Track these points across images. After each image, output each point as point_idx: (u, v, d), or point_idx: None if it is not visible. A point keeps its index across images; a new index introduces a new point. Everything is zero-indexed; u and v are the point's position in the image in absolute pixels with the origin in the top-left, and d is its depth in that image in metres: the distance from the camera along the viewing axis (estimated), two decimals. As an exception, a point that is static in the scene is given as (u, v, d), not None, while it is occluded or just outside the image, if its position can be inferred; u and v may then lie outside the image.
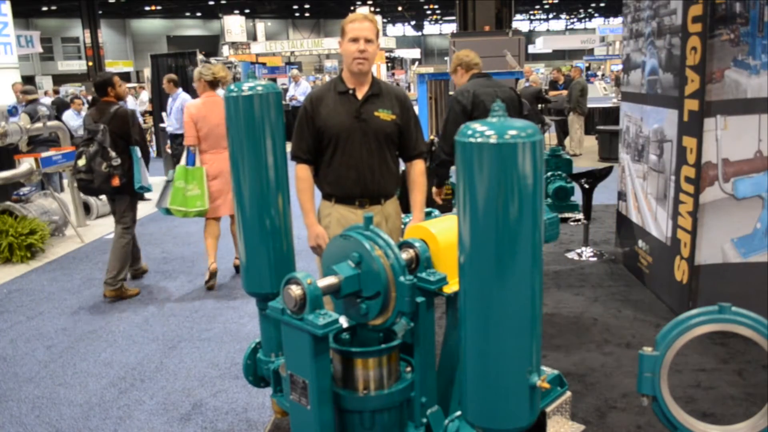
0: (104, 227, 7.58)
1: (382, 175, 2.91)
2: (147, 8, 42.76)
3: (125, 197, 5.03)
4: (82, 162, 4.81)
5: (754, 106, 3.73)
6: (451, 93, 9.24)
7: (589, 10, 55.96)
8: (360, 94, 2.90)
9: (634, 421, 2.97)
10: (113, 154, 4.79)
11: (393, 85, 3.13)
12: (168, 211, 5.14)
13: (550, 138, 12.64)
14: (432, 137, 6.83)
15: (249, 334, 4.24)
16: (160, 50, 34.07)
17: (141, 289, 5.25)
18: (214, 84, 5.25)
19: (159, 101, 11.17)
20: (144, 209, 8.51)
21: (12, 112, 7.26)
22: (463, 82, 4.39)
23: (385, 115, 2.89)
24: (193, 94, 13.90)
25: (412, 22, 58.89)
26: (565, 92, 12.56)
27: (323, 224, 2.97)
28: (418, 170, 3.01)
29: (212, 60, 16.80)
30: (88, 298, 5.12)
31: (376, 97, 2.91)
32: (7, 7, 11.63)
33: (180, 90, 8.77)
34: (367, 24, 2.81)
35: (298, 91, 15.03)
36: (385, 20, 48.72)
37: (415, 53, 42.48)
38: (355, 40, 2.79)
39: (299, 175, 2.94)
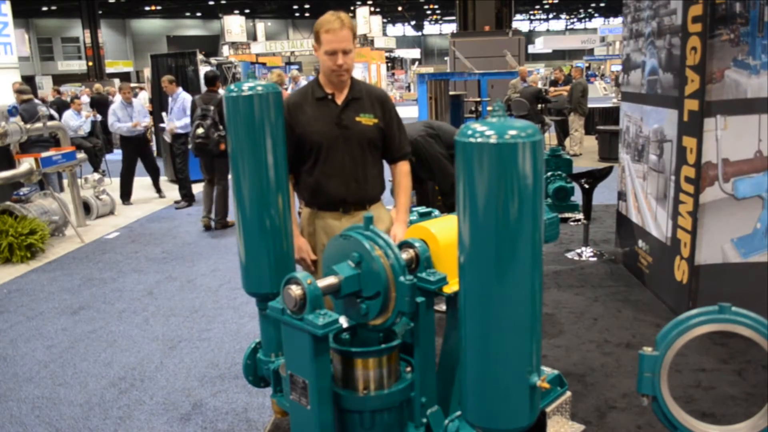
0: (104, 227, 7.59)
1: (366, 181, 2.81)
2: (147, 8, 42.78)
3: (227, 159, 7.02)
4: (201, 131, 6.66)
5: (754, 106, 3.74)
6: (451, 93, 9.25)
7: (589, 10, 55.98)
8: (339, 99, 2.77)
9: (634, 421, 2.98)
10: (221, 127, 6.58)
11: (372, 86, 2.99)
12: None
13: (550, 138, 12.64)
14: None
15: (249, 334, 4.24)
16: (160, 50, 34.05)
17: (140, 289, 5.26)
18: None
19: (159, 101, 11.19)
20: (144, 210, 8.52)
21: (12, 112, 7.26)
22: None
23: (366, 119, 2.77)
24: (193, 94, 13.93)
25: (412, 22, 58.93)
26: (565, 91, 12.56)
27: (307, 232, 2.88)
28: (403, 171, 2.91)
29: (212, 60, 16.82)
30: (88, 298, 5.13)
31: (357, 101, 2.78)
32: (7, 7, 11.63)
33: (180, 89, 8.74)
34: (343, 33, 2.61)
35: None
36: (385, 20, 48.68)
37: (415, 53, 42.52)
38: (332, 53, 2.63)
39: None
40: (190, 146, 7.04)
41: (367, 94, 2.82)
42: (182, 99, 8.53)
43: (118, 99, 9.30)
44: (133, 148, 8.99)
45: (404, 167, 2.93)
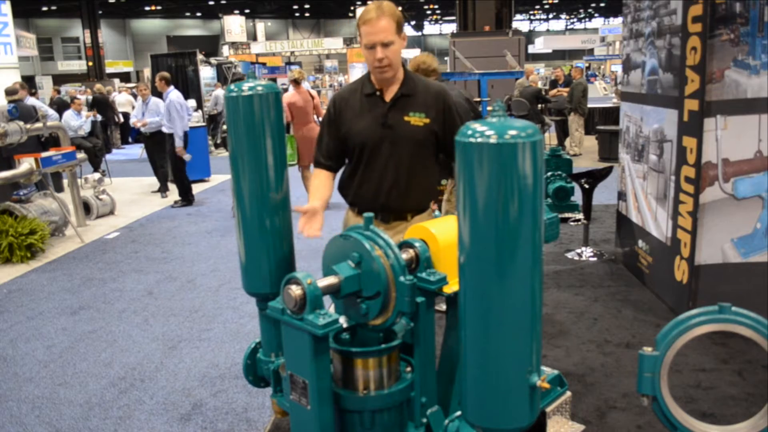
0: (104, 227, 7.59)
1: (408, 189, 2.60)
2: (147, 8, 42.76)
3: None
4: (225, 126, 7.90)
5: (754, 106, 3.74)
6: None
7: (589, 10, 55.96)
8: (388, 96, 2.56)
9: (634, 421, 2.97)
10: None
11: (430, 81, 2.72)
12: None
13: (550, 138, 12.64)
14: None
15: (249, 334, 4.24)
16: (160, 50, 34.06)
17: (140, 289, 5.26)
18: (297, 81, 7.72)
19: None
20: (144, 210, 8.52)
21: (12, 112, 7.25)
22: None
23: (416, 119, 2.54)
24: (193, 94, 13.90)
25: (412, 22, 58.87)
26: (565, 91, 12.56)
27: None
28: None
29: (212, 60, 16.84)
30: (88, 298, 5.13)
31: (407, 98, 2.55)
32: (7, 7, 11.63)
33: (170, 89, 8.70)
34: (382, 24, 2.40)
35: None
36: (385, 20, 48.57)
37: (415, 53, 42.51)
38: (370, 47, 2.44)
39: (314, 178, 2.69)
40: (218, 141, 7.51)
41: (422, 90, 2.59)
42: (168, 100, 8.52)
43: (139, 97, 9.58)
44: (148, 144, 9.23)
45: None
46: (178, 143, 8.38)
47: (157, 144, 9.01)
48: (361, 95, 2.60)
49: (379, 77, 2.54)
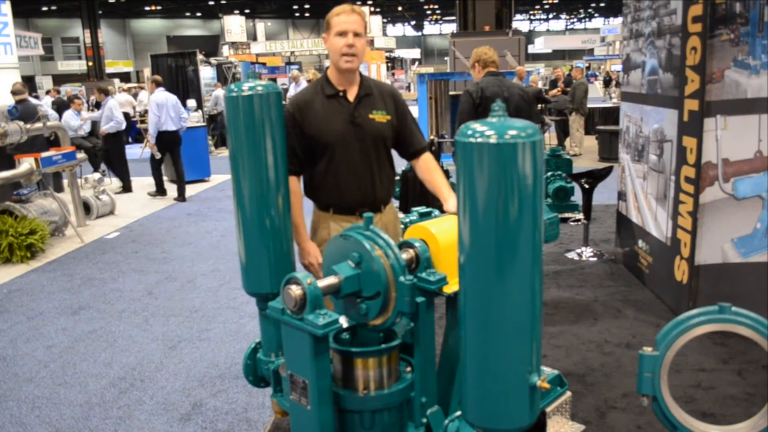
0: (104, 227, 7.58)
1: (381, 182, 2.72)
2: (147, 8, 42.74)
3: None
4: None
5: (754, 106, 3.74)
6: (451, 93, 9.26)
7: (589, 10, 55.97)
8: (351, 96, 2.66)
9: (634, 421, 2.98)
10: None
11: (380, 81, 2.89)
12: None
13: (550, 138, 12.64)
14: (432, 137, 6.83)
15: (249, 334, 4.24)
16: (160, 50, 34.06)
17: (140, 289, 5.26)
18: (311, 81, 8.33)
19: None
20: (144, 209, 8.52)
21: (12, 112, 7.24)
22: (480, 77, 4.69)
23: (380, 116, 2.67)
24: (193, 94, 13.92)
25: (412, 22, 58.91)
26: (564, 91, 12.56)
27: (320, 237, 2.76)
28: (429, 159, 2.80)
29: (212, 60, 16.85)
30: (88, 298, 5.13)
31: (369, 97, 2.68)
32: (7, 7, 11.60)
33: (158, 90, 8.85)
34: (354, 17, 2.58)
35: (298, 91, 15.07)
36: (385, 20, 48.65)
37: (415, 53, 42.53)
38: (342, 33, 2.56)
39: (292, 195, 2.64)
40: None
41: (379, 90, 2.74)
42: (149, 99, 8.75)
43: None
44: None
45: (428, 156, 2.81)
46: (151, 140, 8.87)
47: (112, 144, 9.66)
48: (323, 97, 2.67)
49: (344, 66, 2.61)
